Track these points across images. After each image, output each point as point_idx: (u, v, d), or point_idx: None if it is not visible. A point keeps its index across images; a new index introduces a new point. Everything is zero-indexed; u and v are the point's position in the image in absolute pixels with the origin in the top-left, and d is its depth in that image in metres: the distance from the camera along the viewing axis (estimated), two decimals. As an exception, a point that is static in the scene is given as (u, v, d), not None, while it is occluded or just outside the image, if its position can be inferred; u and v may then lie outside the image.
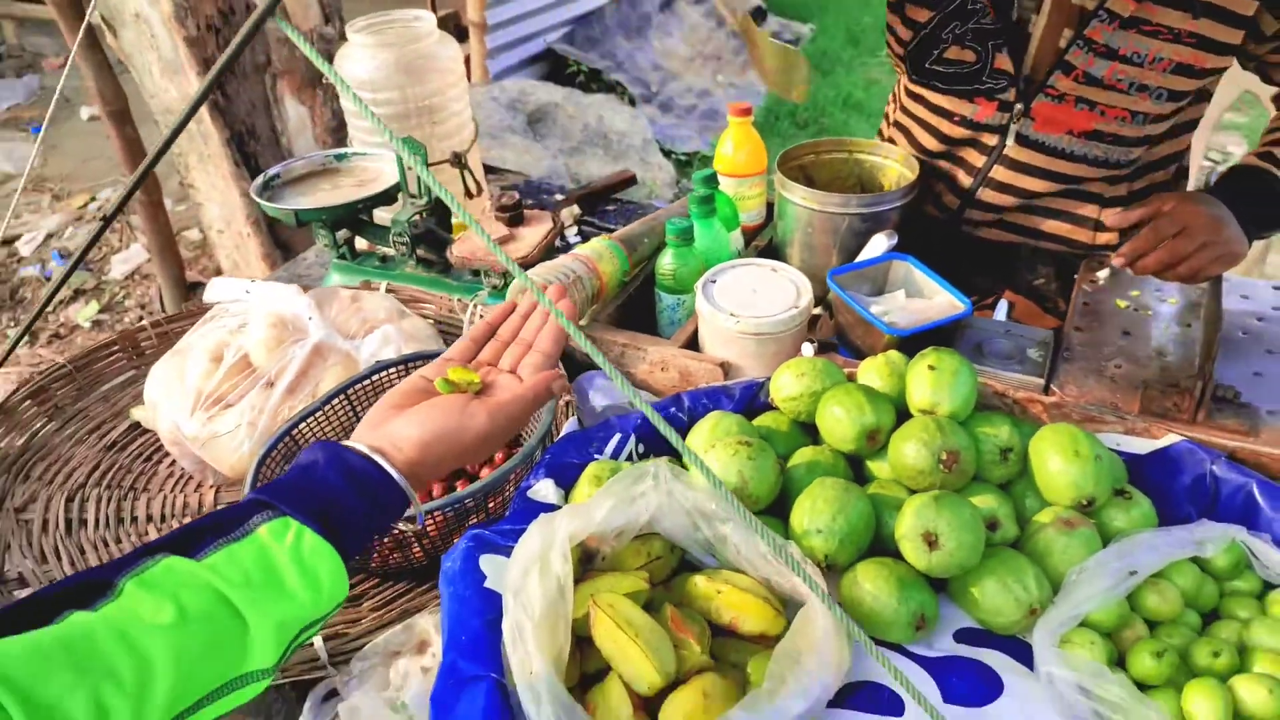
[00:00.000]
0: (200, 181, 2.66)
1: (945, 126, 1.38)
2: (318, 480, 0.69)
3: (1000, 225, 1.42)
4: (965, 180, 1.40)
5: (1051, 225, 1.40)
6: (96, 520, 1.03)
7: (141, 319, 3.04)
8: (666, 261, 1.26)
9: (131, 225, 3.23)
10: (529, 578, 0.72)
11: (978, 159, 1.38)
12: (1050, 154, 1.32)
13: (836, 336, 1.23)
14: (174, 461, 1.12)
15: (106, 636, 0.54)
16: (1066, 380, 1.08)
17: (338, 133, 2.71)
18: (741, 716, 0.65)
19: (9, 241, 3.30)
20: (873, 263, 1.24)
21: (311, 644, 0.84)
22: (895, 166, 1.40)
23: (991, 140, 1.35)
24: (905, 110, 1.47)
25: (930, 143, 1.42)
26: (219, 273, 2.90)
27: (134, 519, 1.05)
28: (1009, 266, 1.40)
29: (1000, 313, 1.30)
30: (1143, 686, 0.74)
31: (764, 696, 0.67)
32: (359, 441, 0.73)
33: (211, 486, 1.10)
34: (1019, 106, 1.30)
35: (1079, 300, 1.22)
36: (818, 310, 1.27)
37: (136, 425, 1.16)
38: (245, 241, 2.76)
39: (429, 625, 0.83)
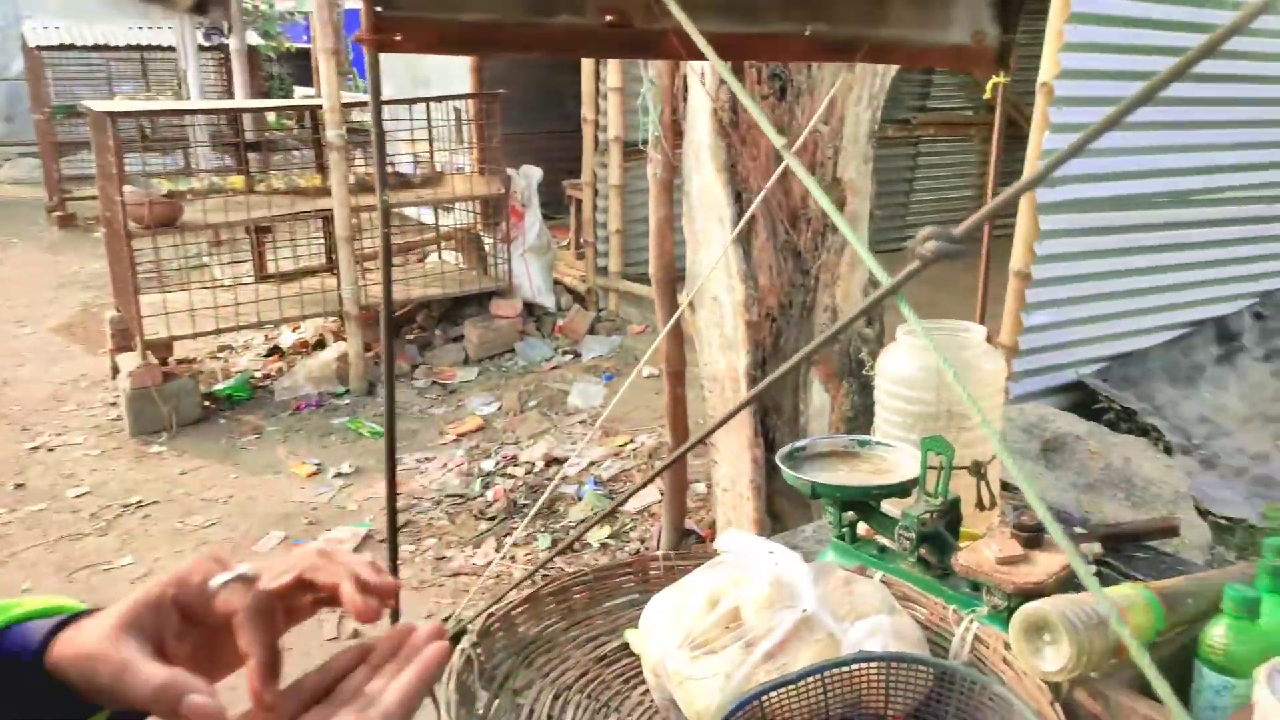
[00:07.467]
0: (722, 443, 2.95)
1: None
2: None
3: None
4: None
5: None
6: (572, 723, 1.10)
7: (639, 550, 3.35)
8: (1219, 633, 1.07)
9: (655, 469, 3.65)
10: None
11: None
12: None
13: None
14: (647, 691, 1.16)
15: None
16: None
17: (852, 422, 2.84)
18: None
19: (560, 461, 3.94)
20: None
21: None
22: None
23: None
24: None
25: None
26: (713, 526, 3.12)
27: (602, 733, 1.10)
28: None
29: None
30: None
31: None
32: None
33: (673, 727, 1.12)
34: None
35: None
36: None
37: (626, 646, 1.24)
38: (742, 504, 2.95)
39: None
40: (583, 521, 3.49)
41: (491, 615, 1.21)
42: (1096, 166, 3.73)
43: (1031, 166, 3.61)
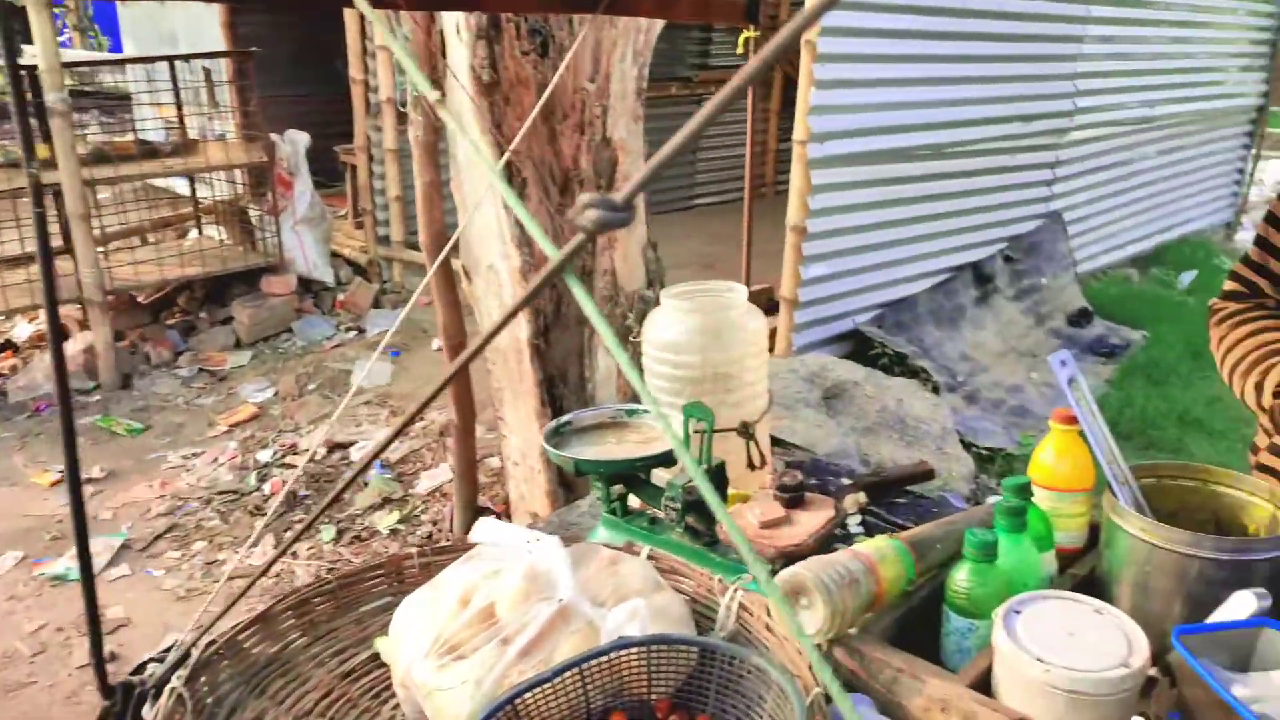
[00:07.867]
0: (510, 415, 2.85)
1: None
2: None
3: None
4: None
5: None
6: (310, 753, 0.99)
7: (431, 534, 3.21)
8: (961, 578, 1.09)
9: (446, 447, 3.50)
10: None
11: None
12: None
13: (1178, 714, 0.97)
14: (398, 706, 1.06)
15: None
16: None
17: (639, 386, 2.82)
18: None
19: (345, 446, 3.71)
20: (1235, 626, 0.99)
21: None
22: (1266, 507, 1.15)
23: None
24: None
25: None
26: (507, 502, 3.03)
27: (345, 760, 0.99)
28: None
29: None
30: None
31: None
32: None
33: (427, 741, 1.03)
34: None
35: None
36: (1154, 672, 1.02)
37: (377, 657, 1.14)
38: (535, 476, 2.87)
39: None
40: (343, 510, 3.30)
41: (213, 642, 1.07)
42: (861, 122, 3.88)
43: (801, 121, 3.70)
